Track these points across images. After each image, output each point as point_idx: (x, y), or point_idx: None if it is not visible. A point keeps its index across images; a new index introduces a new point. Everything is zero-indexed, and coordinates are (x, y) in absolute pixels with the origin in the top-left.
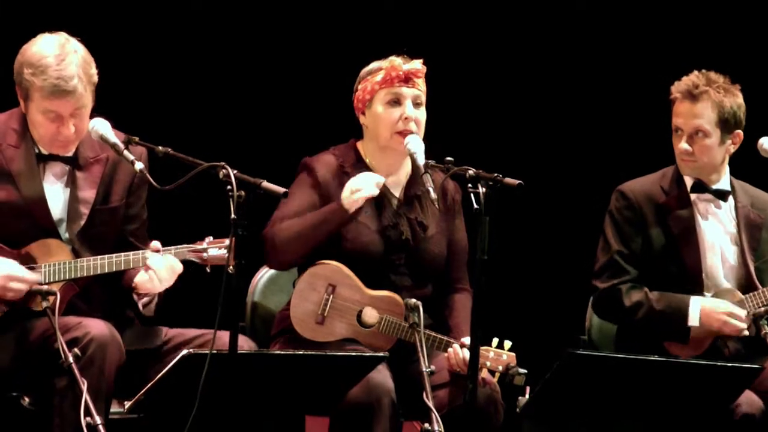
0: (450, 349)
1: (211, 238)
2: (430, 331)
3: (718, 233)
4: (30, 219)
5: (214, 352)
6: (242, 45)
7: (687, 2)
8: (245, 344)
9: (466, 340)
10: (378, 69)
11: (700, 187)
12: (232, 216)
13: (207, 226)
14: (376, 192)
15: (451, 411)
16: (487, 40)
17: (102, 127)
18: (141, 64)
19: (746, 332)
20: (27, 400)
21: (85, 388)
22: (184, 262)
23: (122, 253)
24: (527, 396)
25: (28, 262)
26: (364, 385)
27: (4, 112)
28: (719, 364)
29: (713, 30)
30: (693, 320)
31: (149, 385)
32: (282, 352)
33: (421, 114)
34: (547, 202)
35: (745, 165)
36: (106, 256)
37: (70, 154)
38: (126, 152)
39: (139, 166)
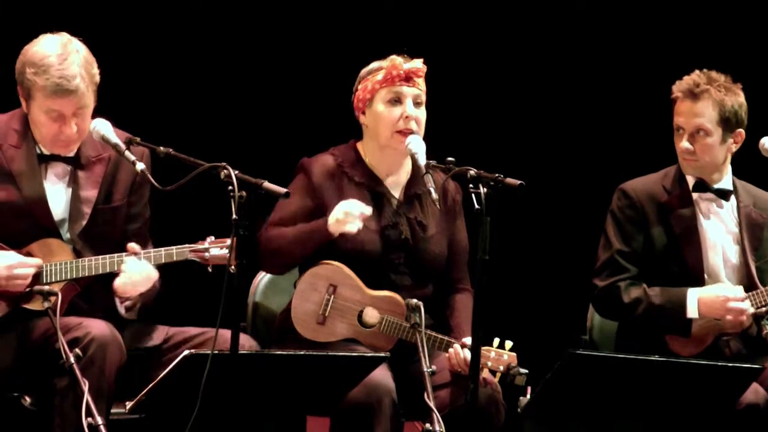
0: (451, 350)
1: (212, 238)
2: (431, 331)
3: (719, 232)
4: (31, 219)
5: (216, 352)
6: (243, 45)
7: (687, 2)
8: (246, 343)
9: (467, 340)
10: (378, 68)
11: (702, 186)
12: (234, 216)
13: (208, 226)
14: (358, 226)
15: (453, 411)
16: (487, 40)
17: (103, 127)
18: (142, 65)
19: (749, 311)
20: (28, 400)
21: (86, 388)
22: (186, 261)
23: (107, 255)
24: (528, 396)
25: None
26: (365, 385)
27: (5, 112)
28: (720, 364)
29: (714, 30)
30: (692, 312)
31: (151, 385)
32: (283, 353)
33: (422, 113)
34: (549, 203)
35: (747, 165)
36: (107, 256)
37: (71, 154)
38: (127, 153)
39: (140, 166)
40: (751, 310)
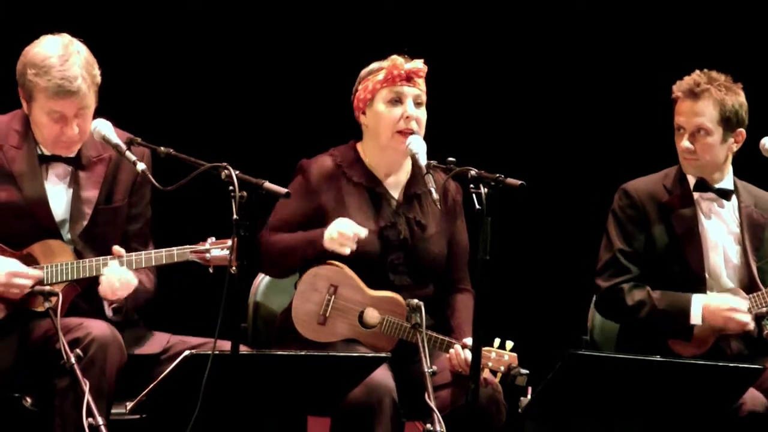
0: (452, 350)
1: (213, 238)
2: (431, 331)
3: (721, 232)
4: (31, 220)
5: (216, 352)
6: (243, 45)
7: (687, 2)
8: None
9: (468, 340)
10: (379, 68)
11: (703, 186)
12: (235, 217)
13: (209, 226)
14: (352, 248)
15: (453, 411)
16: (488, 40)
17: (104, 128)
18: (143, 65)
19: (750, 325)
20: (29, 400)
21: (87, 388)
22: (187, 262)
23: (101, 257)
24: (529, 396)
25: (30, 263)
26: (366, 385)
27: (5, 113)
28: (721, 364)
29: (714, 30)
30: (695, 319)
31: (151, 385)
32: (284, 353)
33: (422, 113)
34: (549, 203)
35: (747, 165)
36: (108, 256)
37: (72, 154)
38: (128, 153)
39: (141, 167)
40: (752, 325)
